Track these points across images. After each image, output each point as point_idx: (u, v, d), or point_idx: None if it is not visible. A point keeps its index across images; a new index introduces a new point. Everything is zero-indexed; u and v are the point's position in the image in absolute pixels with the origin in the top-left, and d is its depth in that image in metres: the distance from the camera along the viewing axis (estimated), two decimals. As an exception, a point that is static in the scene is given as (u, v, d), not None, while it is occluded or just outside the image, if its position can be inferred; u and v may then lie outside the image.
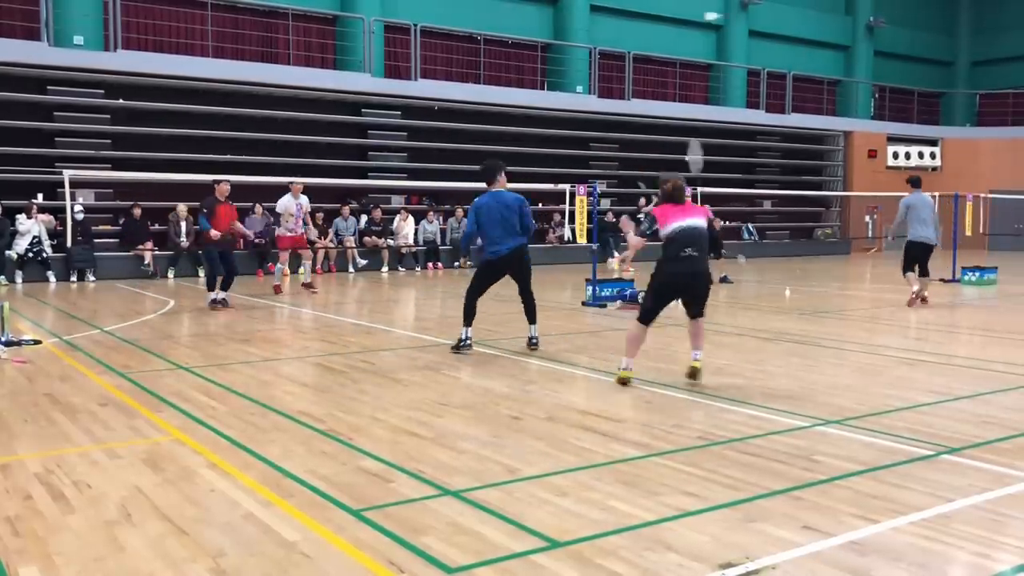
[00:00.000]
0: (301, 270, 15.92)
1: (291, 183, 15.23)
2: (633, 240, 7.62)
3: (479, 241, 8.80)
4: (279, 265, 15.48)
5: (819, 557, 3.59)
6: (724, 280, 17.91)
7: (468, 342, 8.66)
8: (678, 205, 7.14)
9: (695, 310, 7.15)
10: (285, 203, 15.07)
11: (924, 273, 12.72)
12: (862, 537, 3.80)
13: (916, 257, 12.66)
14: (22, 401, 6.52)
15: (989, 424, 5.83)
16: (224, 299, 12.56)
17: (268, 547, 3.71)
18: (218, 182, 12.81)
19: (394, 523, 3.96)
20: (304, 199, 15.16)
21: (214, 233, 12.28)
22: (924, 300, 12.72)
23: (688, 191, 7.97)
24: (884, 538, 3.80)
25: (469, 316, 8.71)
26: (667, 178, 7.23)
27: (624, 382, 7.01)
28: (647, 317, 7.11)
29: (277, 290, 14.71)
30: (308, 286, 15.14)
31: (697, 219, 7.08)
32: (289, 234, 15.17)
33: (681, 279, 7.02)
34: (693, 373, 7.10)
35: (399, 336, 10.26)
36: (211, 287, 12.65)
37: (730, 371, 7.72)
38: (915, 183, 13.11)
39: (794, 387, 7.06)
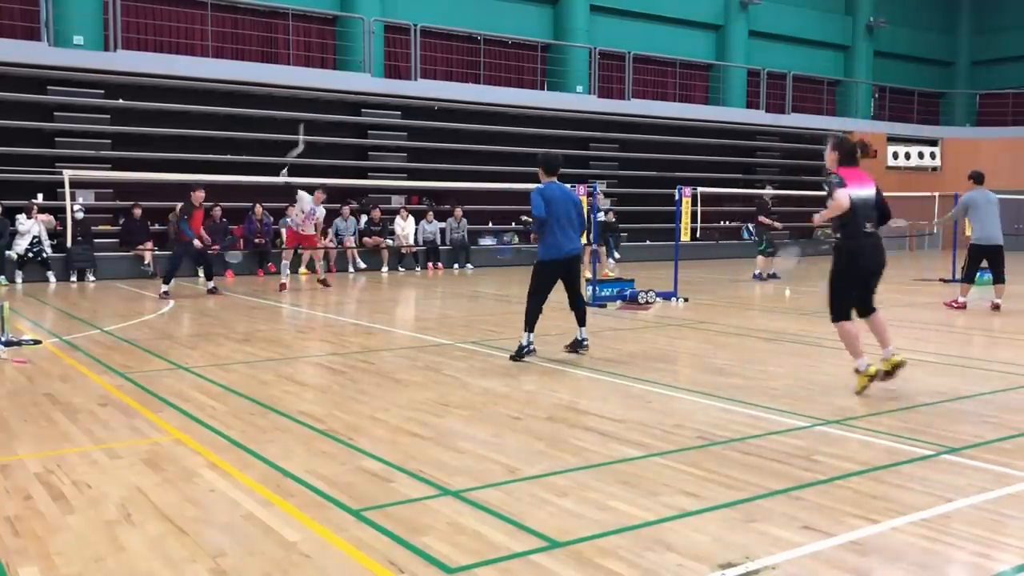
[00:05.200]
0: (302, 269, 16.10)
1: (321, 187, 15.74)
2: (840, 197, 6.28)
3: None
4: (283, 262, 15.74)
5: (819, 557, 3.59)
6: (773, 277, 17.70)
7: (531, 348, 8.23)
8: (853, 169, 6.42)
9: (868, 301, 6.58)
10: (303, 198, 15.38)
11: (999, 279, 12.17)
12: (862, 537, 3.80)
13: (982, 261, 12.07)
14: (22, 401, 6.52)
15: (989, 424, 5.83)
16: (215, 287, 14.31)
17: (268, 547, 3.71)
18: (194, 189, 14.10)
19: (394, 523, 3.96)
20: (321, 209, 15.69)
21: (197, 242, 14.06)
22: (996, 307, 12.25)
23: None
24: (884, 538, 3.80)
25: (532, 321, 8.22)
26: (844, 136, 6.42)
27: (871, 377, 6.49)
28: (843, 313, 6.52)
29: (282, 288, 14.95)
30: (323, 282, 15.80)
31: (869, 189, 6.44)
32: (295, 229, 15.43)
33: (870, 260, 6.41)
34: (894, 368, 6.49)
35: (399, 336, 10.26)
36: (168, 280, 14.09)
37: (730, 371, 7.72)
38: (978, 179, 12.27)
39: (794, 387, 7.06)
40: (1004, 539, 3.79)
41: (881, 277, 6.72)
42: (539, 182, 8.36)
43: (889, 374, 6.56)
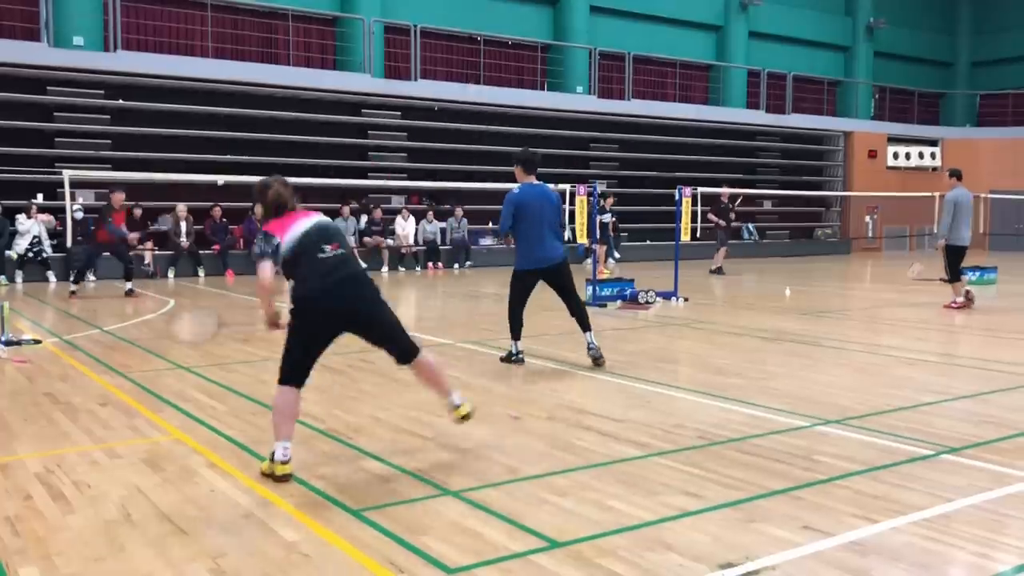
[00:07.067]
0: None
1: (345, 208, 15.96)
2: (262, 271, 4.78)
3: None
4: None
5: (819, 557, 3.59)
6: (718, 271, 18.18)
7: (519, 356, 8.01)
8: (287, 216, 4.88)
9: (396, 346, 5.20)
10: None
11: (955, 277, 12.49)
12: (862, 537, 3.80)
13: (962, 258, 12.37)
14: (22, 401, 6.52)
15: (989, 424, 5.83)
16: (132, 288, 14.36)
17: (268, 547, 3.71)
18: (113, 191, 14.23)
19: (394, 523, 3.96)
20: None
21: (133, 236, 14.67)
22: (959, 304, 12.47)
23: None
24: (884, 538, 3.80)
25: (514, 329, 7.96)
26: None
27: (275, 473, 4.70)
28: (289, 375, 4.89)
29: None
30: None
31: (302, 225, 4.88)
32: None
33: (331, 303, 4.85)
34: (463, 420, 5.16)
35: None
36: (79, 280, 14.29)
37: (730, 371, 7.72)
38: (959, 176, 12.51)
39: (794, 387, 7.05)
40: (1004, 539, 3.79)
41: (377, 311, 5.09)
42: (551, 183, 8.06)
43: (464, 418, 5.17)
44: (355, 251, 5.45)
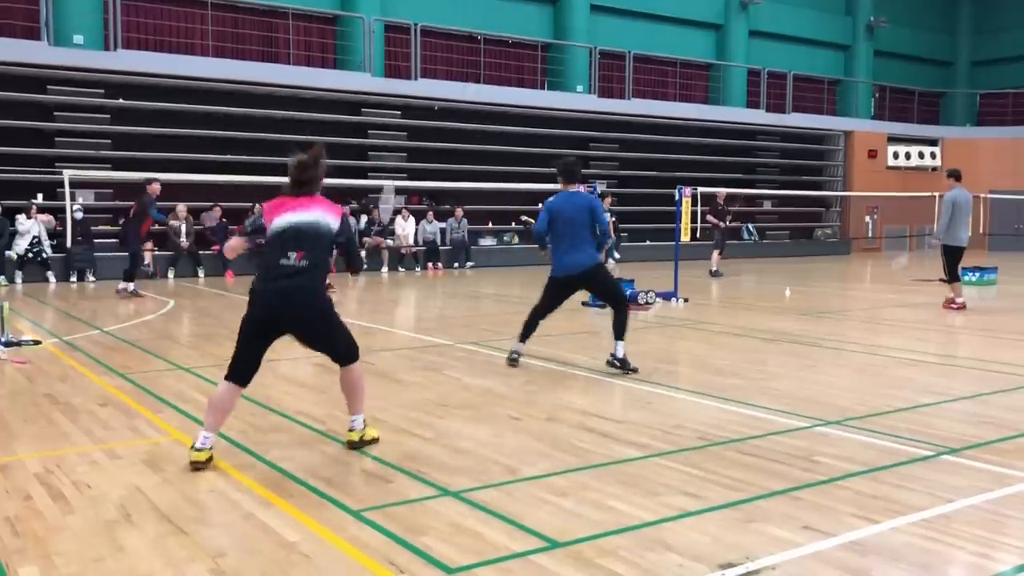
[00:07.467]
0: None
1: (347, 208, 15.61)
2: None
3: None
4: None
5: (819, 557, 3.59)
6: (717, 274, 18.12)
7: (516, 356, 7.93)
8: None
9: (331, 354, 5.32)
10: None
11: (954, 277, 12.53)
12: (862, 537, 3.80)
13: (961, 259, 12.39)
14: (22, 401, 6.52)
15: (989, 424, 5.83)
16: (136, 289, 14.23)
17: (268, 547, 3.71)
18: (150, 182, 13.98)
19: (394, 523, 3.96)
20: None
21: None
22: (959, 304, 12.50)
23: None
24: (884, 538, 3.80)
25: (524, 331, 7.92)
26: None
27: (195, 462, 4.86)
28: (234, 370, 5.13)
29: None
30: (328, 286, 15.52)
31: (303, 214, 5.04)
32: None
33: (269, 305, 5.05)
34: (360, 443, 5.20)
35: (399, 336, 10.26)
36: (130, 279, 14.15)
37: (730, 371, 7.72)
38: (958, 177, 12.51)
39: (794, 387, 7.06)
40: (1004, 539, 3.79)
41: (320, 325, 5.12)
42: (551, 183, 8.08)
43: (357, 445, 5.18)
44: (341, 254, 5.37)
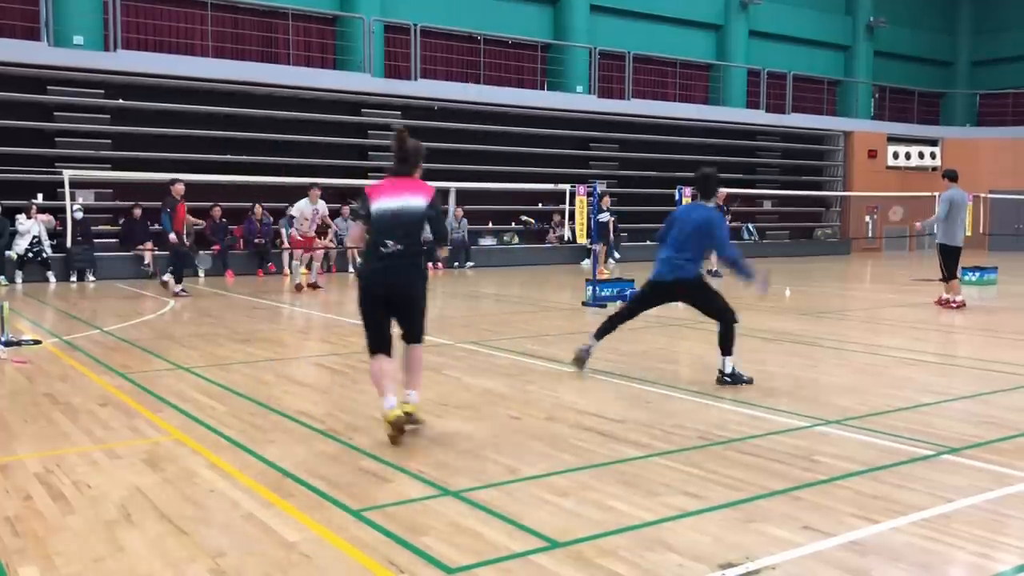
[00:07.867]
0: (302, 269, 16.05)
1: (312, 185, 15.48)
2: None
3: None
4: (295, 263, 15.67)
5: (819, 557, 3.59)
6: (715, 274, 18.08)
7: (587, 349, 7.67)
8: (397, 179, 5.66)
9: (408, 331, 5.71)
10: (301, 207, 15.27)
11: (952, 276, 12.58)
12: (862, 537, 3.80)
13: (959, 258, 12.45)
14: (22, 401, 6.52)
15: (989, 424, 5.83)
16: (184, 288, 14.30)
17: (268, 547, 3.71)
18: (174, 182, 14.14)
19: (394, 523, 3.96)
20: (322, 204, 15.50)
21: (172, 237, 13.93)
22: (959, 303, 12.56)
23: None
24: (884, 538, 3.80)
25: (601, 329, 7.69)
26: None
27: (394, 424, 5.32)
28: (371, 345, 5.61)
29: (299, 289, 14.98)
30: (313, 285, 15.52)
31: (404, 200, 5.51)
32: (300, 238, 15.41)
33: (380, 284, 5.55)
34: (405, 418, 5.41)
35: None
36: (180, 279, 14.26)
37: (730, 371, 7.70)
38: (954, 177, 12.56)
39: (794, 387, 7.06)
40: (1004, 539, 3.79)
41: (413, 304, 5.54)
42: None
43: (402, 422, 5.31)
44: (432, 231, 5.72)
